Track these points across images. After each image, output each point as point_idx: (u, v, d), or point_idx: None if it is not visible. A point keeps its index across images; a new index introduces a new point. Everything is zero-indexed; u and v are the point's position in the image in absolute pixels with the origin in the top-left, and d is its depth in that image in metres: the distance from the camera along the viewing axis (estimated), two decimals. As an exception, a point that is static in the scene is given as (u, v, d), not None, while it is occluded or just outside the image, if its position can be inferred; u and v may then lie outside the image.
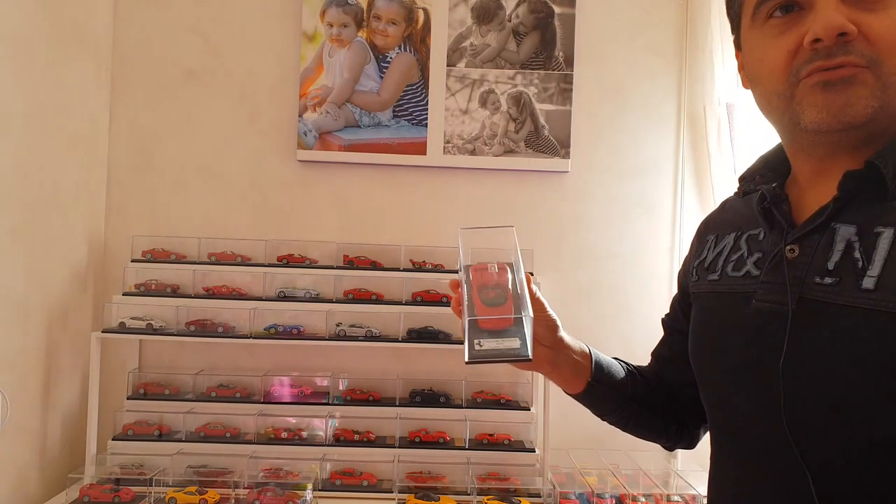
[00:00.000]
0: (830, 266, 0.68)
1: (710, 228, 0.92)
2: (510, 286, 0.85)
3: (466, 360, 0.79)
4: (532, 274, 0.90)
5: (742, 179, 0.86)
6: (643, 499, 1.78)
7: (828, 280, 0.68)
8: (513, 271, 0.87)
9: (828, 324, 0.67)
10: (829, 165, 0.73)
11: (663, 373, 1.01)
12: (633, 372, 1.00)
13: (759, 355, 0.73)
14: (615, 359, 1.00)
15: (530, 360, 0.79)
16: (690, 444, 1.01)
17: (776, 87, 0.73)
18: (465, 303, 0.84)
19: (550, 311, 0.90)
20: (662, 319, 1.04)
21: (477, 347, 0.80)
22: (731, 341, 0.77)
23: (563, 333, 0.92)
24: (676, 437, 1.00)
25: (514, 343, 0.80)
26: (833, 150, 0.72)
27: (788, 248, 0.73)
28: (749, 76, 0.79)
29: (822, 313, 0.67)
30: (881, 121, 0.68)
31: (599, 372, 0.94)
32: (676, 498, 1.80)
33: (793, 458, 0.69)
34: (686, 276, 0.95)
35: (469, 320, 0.82)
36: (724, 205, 0.94)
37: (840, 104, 0.68)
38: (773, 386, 0.70)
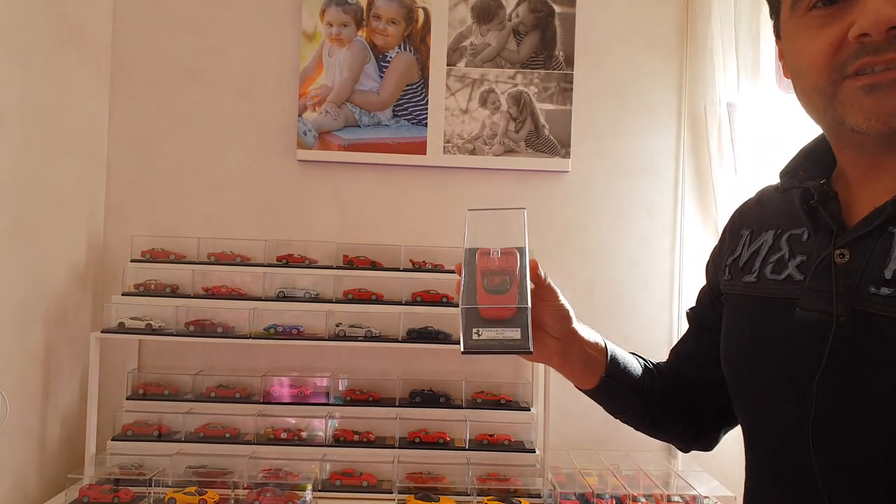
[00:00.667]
0: (888, 275, 0.60)
1: (746, 223, 0.84)
2: (517, 273, 0.79)
3: (463, 350, 0.75)
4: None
5: (784, 174, 0.79)
6: (643, 499, 1.77)
7: (885, 290, 0.60)
8: (521, 257, 0.81)
9: (883, 340, 0.59)
10: (883, 161, 0.67)
11: (685, 371, 0.95)
12: (651, 369, 0.94)
13: (803, 370, 0.66)
14: (633, 354, 0.94)
15: (531, 352, 0.75)
16: (708, 446, 0.96)
17: (816, 83, 0.66)
18: (463, 289, 0.78)
19: (563, 301, 0.83)
20: (687, 313, 0.99)
21: (475, 337, 0.75)
22: (773, 353, 0.70)
23: (576, 325, 0.85)
24: (693, 439, 0.95)
25: (515, 334, 0.75)
26: (884, 148, 0.65)
27: (837, 252, 0.66)
28: (789, 68, 0.72)
29: (876, 327, 0.60)
30: None
31: (614, 367, 0.88)
32: (677, 498, 1.80)
33: (816, 490, 0.63)
34: (717, 271, 0.88)
35: (466, 308, 0.77)
36: (762, 197, 0.85)
37: (891, 109, 0.62)
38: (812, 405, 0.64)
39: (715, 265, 0.90)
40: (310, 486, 1.79)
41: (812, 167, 0.76)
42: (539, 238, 2.15)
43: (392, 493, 1.81)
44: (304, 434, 1.96)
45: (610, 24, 2.19)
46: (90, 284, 2.06)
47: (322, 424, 1.97)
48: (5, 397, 1.64)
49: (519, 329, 0.75)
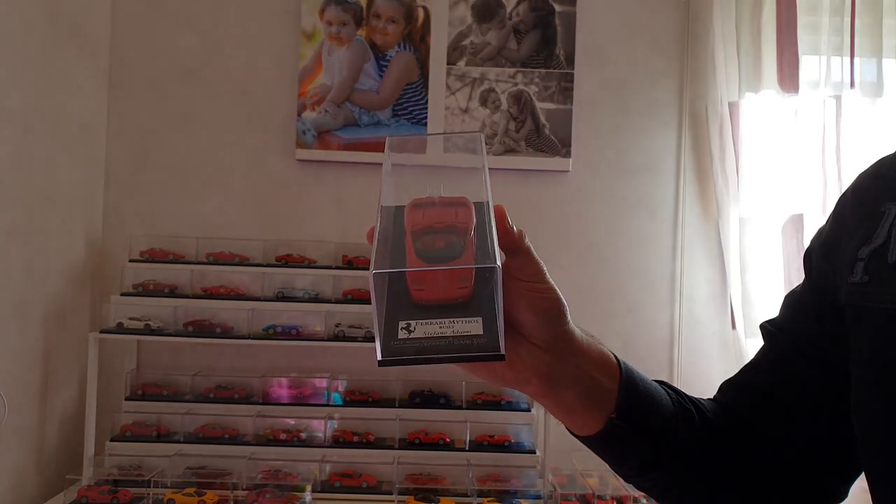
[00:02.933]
0: None
1: (888, 191, 0.51)
2: (472, 232, 0.48)
3: (379, 358, 0.44)
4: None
5: None
6: (644, 500, 1.77)
7: None
8: (479, 208, 0.50)
9: None
10: None
11: (755, 418, 0.61)
12: (688, 409, 0.58)
13: None
14: (659, 382, 0.59)
15: (503, 356, 0.43)
16: None
17: None
18: (376, 257, 0.46)
19: (550, 281, 0.50)
20: (766, 328, 0.64)
21: (402, 335, 0.43)
22: None
23: (572, 326, 0.52)
24: None
25: (472, 326, 0.43)
26: None
27: None
28: None
29: None
30: None
31: (632, 401, 0.54)
32: (678, 500, 1.79)
33: None
34: (836, 269, 0.54)
35: (388, 276, 0.46)
36: None
37: None
38: None
39: (827, 258, 0.57)
40: (309, 488, 1.78)
41: None
42: (539, 238, 2.13)
43: (392, 494, 1.80)
44: (303, 435, 1.95)
45: (611, 22, 2.18)
46: (89, 284, 2.05)
47: (321, 425, 1.96)
48: (3, 398, 1.63)
49: (480, 319, 0.43)
